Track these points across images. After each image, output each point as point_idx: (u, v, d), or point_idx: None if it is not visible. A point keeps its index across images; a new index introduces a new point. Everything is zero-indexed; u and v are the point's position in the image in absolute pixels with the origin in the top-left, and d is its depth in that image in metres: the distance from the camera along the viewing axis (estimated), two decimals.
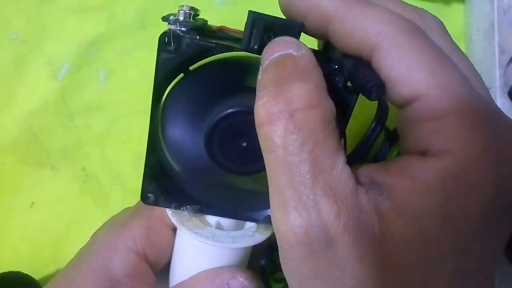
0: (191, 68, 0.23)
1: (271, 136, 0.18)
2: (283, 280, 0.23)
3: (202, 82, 0.23)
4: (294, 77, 0.18)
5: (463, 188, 0.17)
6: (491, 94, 0.23)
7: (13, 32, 0.40)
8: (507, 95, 0.36)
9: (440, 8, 0.40)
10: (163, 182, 0.25)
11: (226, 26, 0.23)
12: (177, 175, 0.25)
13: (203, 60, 0.22)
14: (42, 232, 0.40)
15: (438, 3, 0.40)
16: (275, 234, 0.18)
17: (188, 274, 0.27)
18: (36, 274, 0.38)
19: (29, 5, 0.40)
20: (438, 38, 0.20)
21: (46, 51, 0.40)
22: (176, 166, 0.25)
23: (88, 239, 0.30)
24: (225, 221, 0.27)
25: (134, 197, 0.26)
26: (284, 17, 0.22)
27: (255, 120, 0.19)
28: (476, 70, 0.21)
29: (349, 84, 0.21)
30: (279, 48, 0.20)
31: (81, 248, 0.30)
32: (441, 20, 0.22)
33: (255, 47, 0.21)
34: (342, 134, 0.22)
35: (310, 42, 0.22)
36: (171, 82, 0.23)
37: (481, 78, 0.21)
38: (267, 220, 0.26)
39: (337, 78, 0.21)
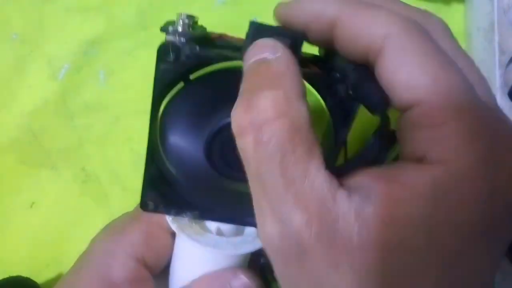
0: (191, 76, 0.23)
1: (244, 147, 0.18)
2: None
3: (203, 91, 0.23)
4: (264, 85, 0.18)
5: (453, 201, 0.17)
6: None
7: (13, 32, 0.40)
8: (507, 95, 0.36)
9: (440, 8, 0.40)
10: (163, 190, 0.25)
11: (226, 33, 0.23)
12: (177, 182, 0.25)
13: (203, 69, 0.22)
14: (42, 232, 0.40)
15: (438, 3, 0.40)
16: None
17: (189, 278, 0.27)
18: (36, 274, 0.38)
19: (29, 5, 0.40)
20: (443, 41, 0.19)
21: (46, 51, 0.40)
22: (175, 173, 0.25)
23: (88, 241, 0.30)
24: (225, 227, 0.27)
25: (134, 197, 0.26)
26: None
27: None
28: (481, 74, 0.20)
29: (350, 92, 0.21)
30: (254, 53, 0.19)
31: (80, 255, 0.30)
32: None
33: None
34: (343, 141, 0.22)
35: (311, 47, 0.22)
36: (170, 91, 0.23)
37: (487, 82, 0.20)
38: None
39: (339, 86, 0.21)
